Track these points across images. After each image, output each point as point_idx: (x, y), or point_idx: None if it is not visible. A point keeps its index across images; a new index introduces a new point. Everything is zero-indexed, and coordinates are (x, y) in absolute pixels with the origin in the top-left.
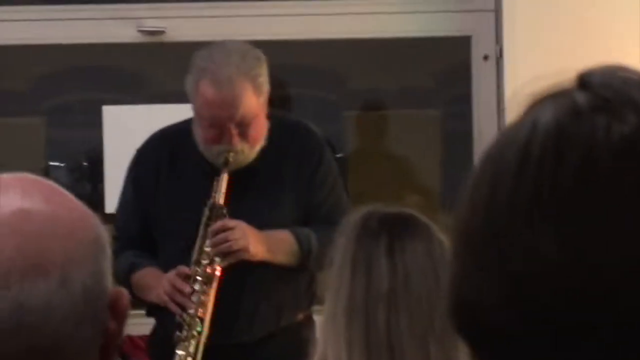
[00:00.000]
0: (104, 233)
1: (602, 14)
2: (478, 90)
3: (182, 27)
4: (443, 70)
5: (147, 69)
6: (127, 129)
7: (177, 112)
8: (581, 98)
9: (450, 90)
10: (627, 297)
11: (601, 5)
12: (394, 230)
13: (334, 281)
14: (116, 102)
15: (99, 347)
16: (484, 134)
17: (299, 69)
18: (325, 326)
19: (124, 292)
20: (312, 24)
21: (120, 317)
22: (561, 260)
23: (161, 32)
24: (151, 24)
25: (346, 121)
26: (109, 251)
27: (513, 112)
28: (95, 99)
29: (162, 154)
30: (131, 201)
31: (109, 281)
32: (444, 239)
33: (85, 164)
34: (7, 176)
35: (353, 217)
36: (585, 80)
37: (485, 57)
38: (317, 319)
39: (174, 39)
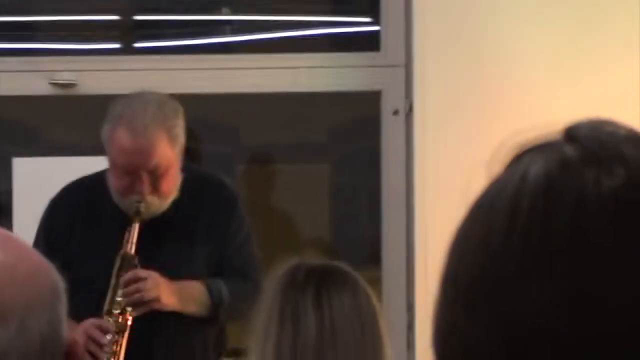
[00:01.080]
0: (60, 281)
1: (514, 70)
2: (387, 144)
3: (93, 79)
4: (342, 125)
5: (58, 122)
6: (37, 181)
7: (89, 165)
8: (570, 151)
9: (345, 145)
10: (623, 351)
11: (513, 62)
12: (321, 281)
13: (261, 332)
14: (24, 155)
15: None
16: (392, 188)
17: (196, 122)
18: None
19: (78, 340)
20: (218, 78)
21: None
22: (554, 314)
23: (73, 85)
24: (63, 77)
25: (239, 175)
26: (65, 299)
27: (497, 162)
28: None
29: (76, 203)
30: (42, 250)
31: (64, 329)
32: (370, 290)
33: None
34: None
35: (280, 269)
36: (572, 134)
37: (395, 112)
38: None
39: (85, 92)
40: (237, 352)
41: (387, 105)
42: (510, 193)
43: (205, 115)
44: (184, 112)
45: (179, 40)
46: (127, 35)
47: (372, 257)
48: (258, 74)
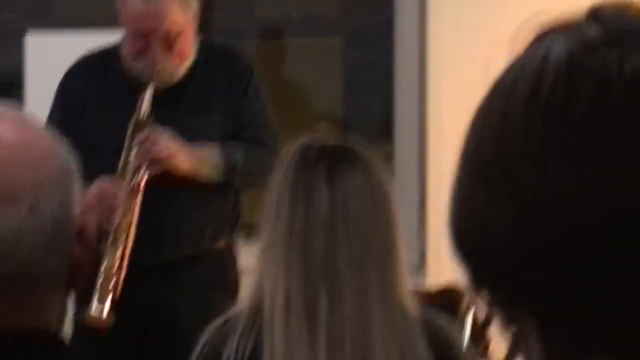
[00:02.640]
0: (73, 162)
1: None
2: (400, 18)
3: None
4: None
5: None
6: (50, 57)
7: (103, 40)
8: (592, 31)
9: (357, 19)
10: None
11: None
12: (333, 159)
13: (273, 210)
14: (36, 28)
15: (66, 274)
16: (405, 62)
17: None
18: (263, 254)
19: (91, 220)
20: None
21: (87, 245)
22: (571, 192)
23: None
24: None
25: (250, 48)
26: (77, 180)
27: (518, 42)
28: (9, 25)
29: (90, 71)
30: (58, 119)
31: (76, 210)
32: (382, 167)
33: None
34: None
35: (291, 148)
36: (596, 14)
37: None
38: (240, 249)
39: None
40: (251, 227)
41: None
42: (531, 73)
43: None
44: None
45: None
46: None
47: (384, 131)
48: None
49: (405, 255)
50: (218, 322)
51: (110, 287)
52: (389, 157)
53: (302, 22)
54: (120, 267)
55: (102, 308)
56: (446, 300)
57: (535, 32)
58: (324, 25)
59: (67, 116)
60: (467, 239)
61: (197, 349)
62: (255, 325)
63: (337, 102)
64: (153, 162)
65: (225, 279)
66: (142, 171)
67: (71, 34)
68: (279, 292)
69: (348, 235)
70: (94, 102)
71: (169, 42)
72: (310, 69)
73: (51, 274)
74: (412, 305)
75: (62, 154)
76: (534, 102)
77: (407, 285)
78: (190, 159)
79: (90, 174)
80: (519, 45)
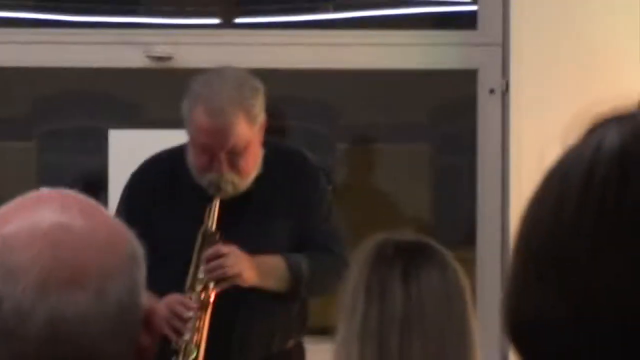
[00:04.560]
0: (139, 249)
1: (609, 49)
2: (483, 124)
3: (189, 53)
4: (439, 104)
5: (154, 96)
6: (133, 154)
7: (184, 138)
8: None
9: (444, 125)
10: None
11: (608, 40)
12: (409, 256)
13: (348, 306)
14: (119, 128)
15: None
16: (488, 168)
17: (293, 100)
18: (338, 351)
19: (157, 308)
20: (312, 54)
21: (153, 332)
22: (624, 280)
23: (169, 59)
24: (159, 50)
25: (338, 154)
26: (143, 267)
27: (574, 133)
28: (95, 124)
29: (157, 177)
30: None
31: (143, 296)
32: (458, 267)
33: (75, 188)
34: (46, 191)
35: (367, 244)
36: None
37: (491, 91)
38: (308, 347)
39: (181, 65)
40: (323, 331)
41: (484, 84)
42: (585, 163)
43: (301, 92)
44: (280, 89)
45: (278, 16)
46: (226, 11)
47: (468, 237)
48: (356, 50)
49: (479, 354)
50: None
51: None
52: (471, 263)
53: (390, 129)
54: None
55: None
56: None
57: (589, 123)
58: (412, 132)
59: (132, 222)
60: (520, 329)
61: None
62: None
63: (425, 209)
64: (222, 279)
65: None
66: (211, 287)
67: (153, 131)
68: None
69: (423, 334)
70: (161, 210)
71: (235, 156)
72: (398, 175)
73: (116, 359)
74: None
75: (129, 240)
76: (587, 192)
77: None
78: (257, 272)
79: (157, 283)
80: (572, 137)
